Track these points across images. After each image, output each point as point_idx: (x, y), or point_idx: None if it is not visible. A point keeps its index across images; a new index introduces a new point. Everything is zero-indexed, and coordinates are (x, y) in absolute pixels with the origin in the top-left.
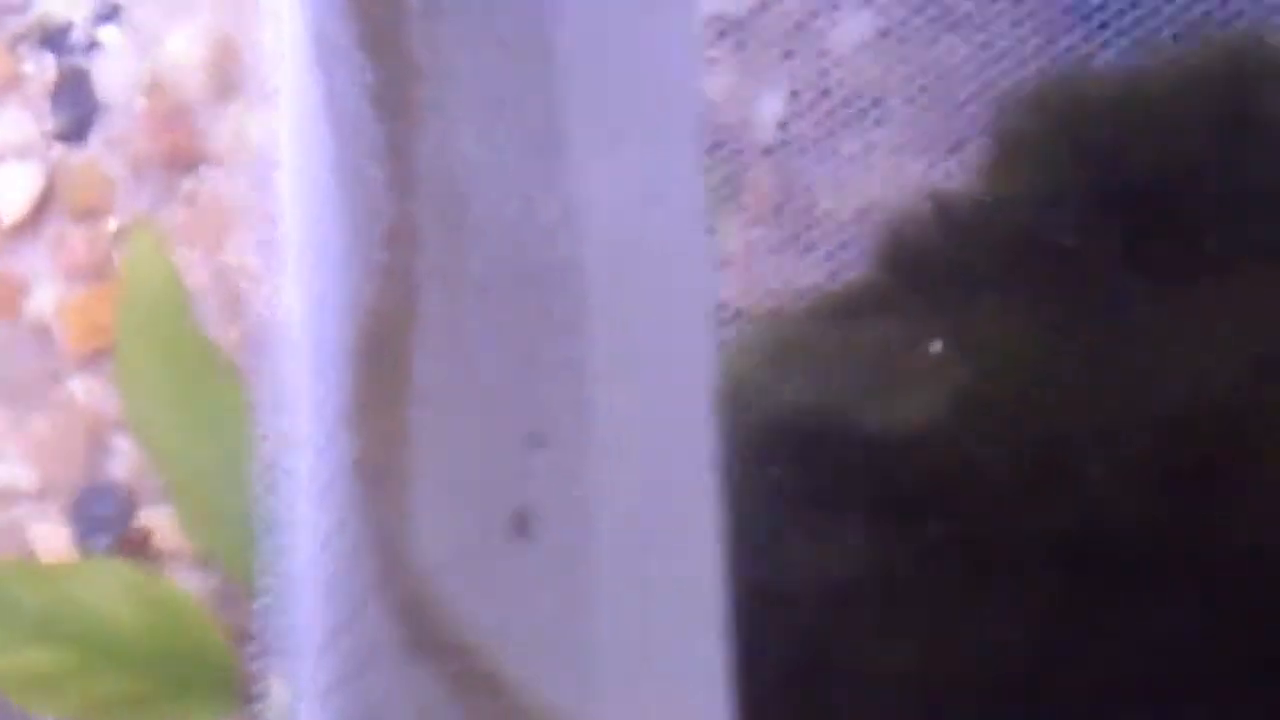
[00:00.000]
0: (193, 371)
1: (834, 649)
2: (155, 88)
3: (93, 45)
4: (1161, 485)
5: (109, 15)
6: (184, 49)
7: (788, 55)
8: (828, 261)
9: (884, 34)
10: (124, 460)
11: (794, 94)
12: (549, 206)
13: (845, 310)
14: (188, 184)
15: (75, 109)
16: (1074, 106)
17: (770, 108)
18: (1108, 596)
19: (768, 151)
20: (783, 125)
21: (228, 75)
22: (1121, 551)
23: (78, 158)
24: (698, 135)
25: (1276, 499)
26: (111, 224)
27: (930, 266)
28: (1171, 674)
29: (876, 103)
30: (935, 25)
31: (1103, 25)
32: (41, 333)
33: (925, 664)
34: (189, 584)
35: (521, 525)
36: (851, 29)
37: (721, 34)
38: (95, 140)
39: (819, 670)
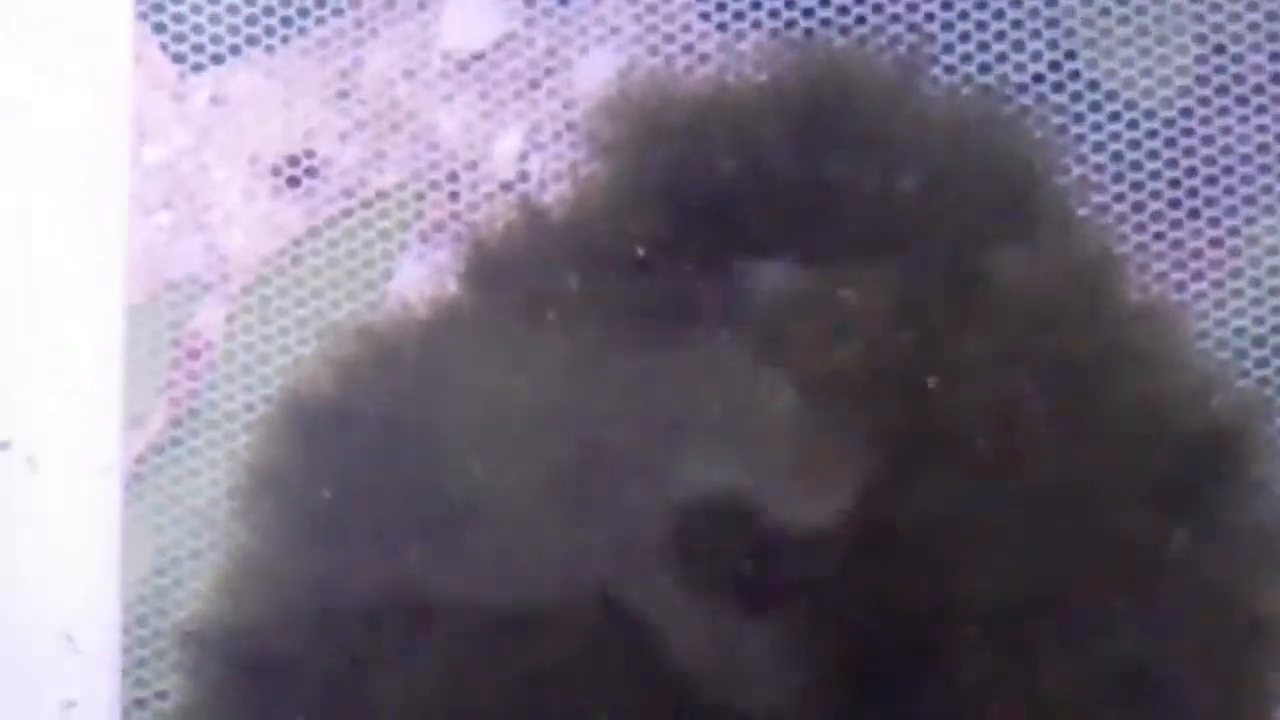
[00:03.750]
0: None
1: None
2: None
3: None
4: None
5: None
6: None
7: (528, 92)
8: None
9: (628, 69)
10: None
11: (533, 130)
12: None
13: (427, 334)
14: None
15: None
16: (658, 111)
17: (509, 144)
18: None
19: (506, 187)
20: (521, 160)
21: None
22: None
23: None
24: None
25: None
26: None
27: (511, 281)
28: None
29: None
30: (680, 59)
31: None
32: None
33: None
34: None
35: None
36: (594, 65)
37: (461, 66)
38: None
39: None
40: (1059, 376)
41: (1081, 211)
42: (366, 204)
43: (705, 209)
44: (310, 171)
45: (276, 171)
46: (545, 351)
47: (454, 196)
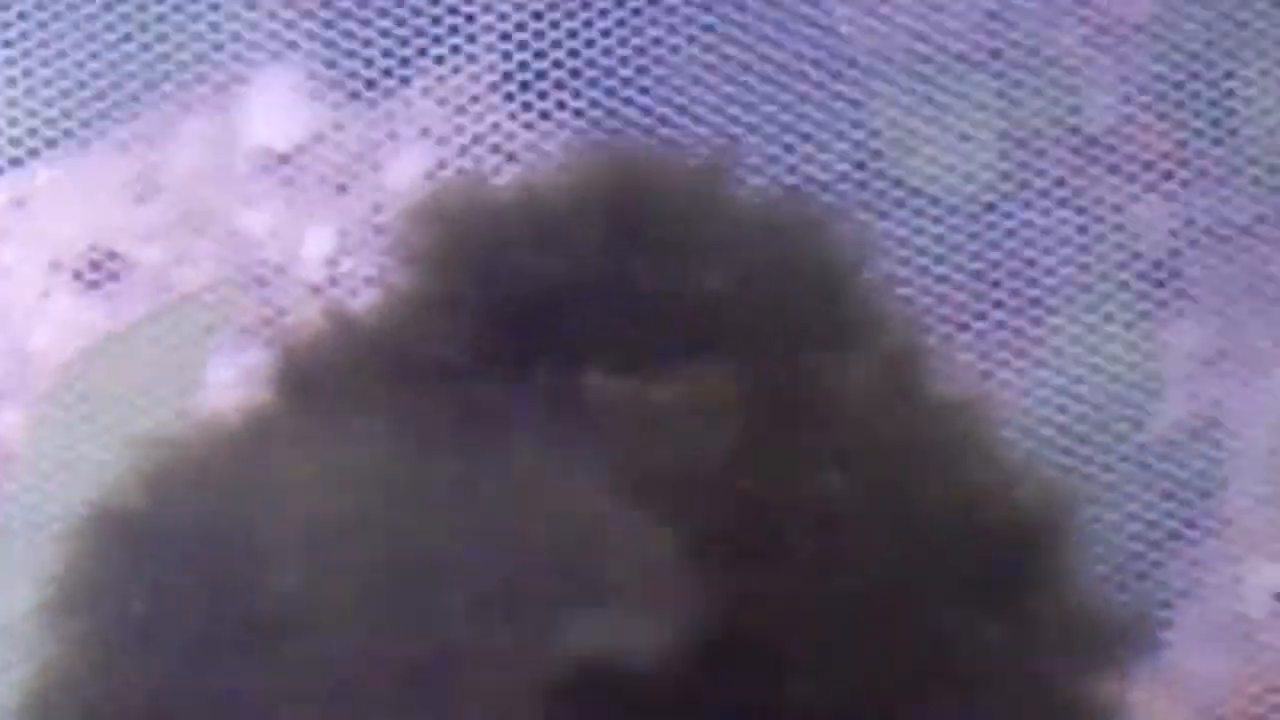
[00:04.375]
0: None
1: None
2: None
3: None
4: (510, 619)
5: None
6: None
7: (338, 191)
8: None
9: (440, 167)
10: None
11: (343, 231)
12: None
13: (238, 444)
14: None
15: None
16: (464, 216)
17: (319, 246)
18: None
19: (314, 291)
20: (331, 263)
21: None
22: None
23: None
24: None
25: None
26: None
27: (322, 389)
28: None
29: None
30: (493, 157)
31: None
32: None
33: None
34: None
35: None
36: (406, 163)
37: (268, 167)
38: None
39: None
40: (872, 473)
41: (889, 307)
42: (172, 307)
43: (516, 314)
44: (114, 275)
45: (78, 275)
46: (359, 461)
47: (263, 300)
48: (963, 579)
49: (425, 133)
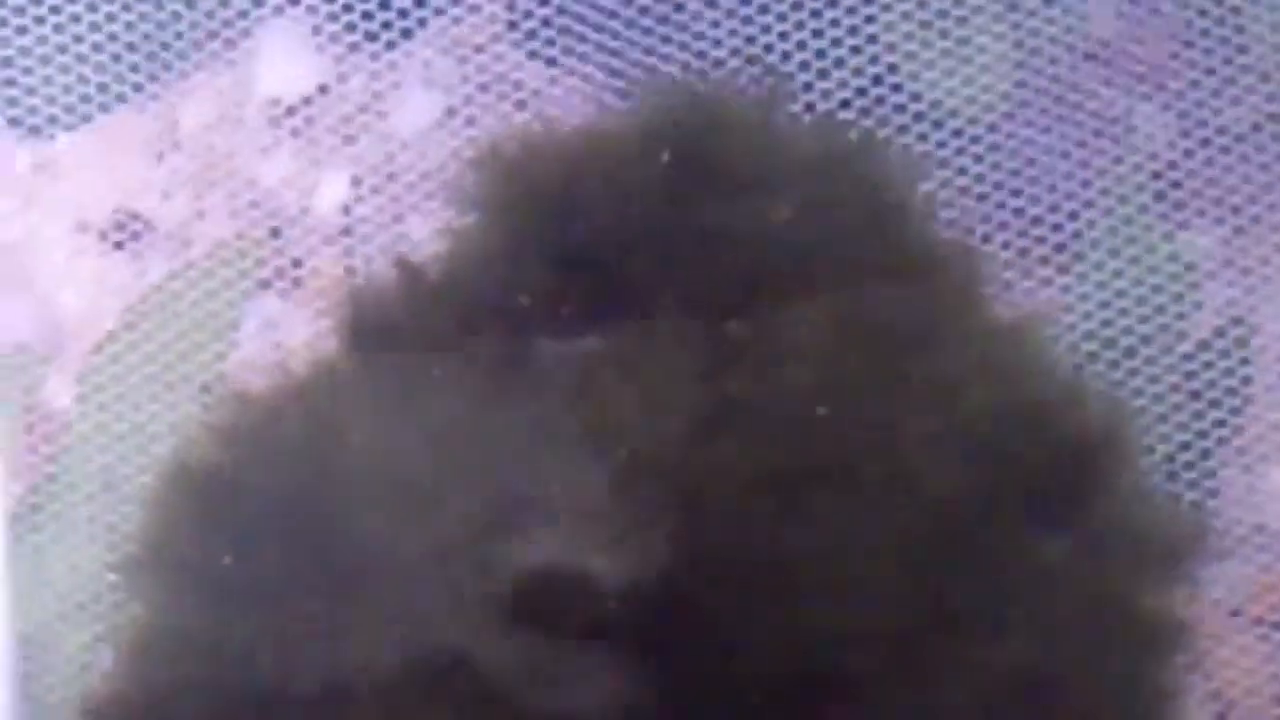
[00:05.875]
0: None
1: None
2: None
3: None
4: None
5: None
6: None
7: (349, 139)
8: None
9: (450, 114)
10: None
11: (356, 178)
12: None
13: (309, 396)
14: None
15: None
16: (528, 164)
17: (333, 192)
18: None
19: (330, 238)
20: (346, 210)
21: None
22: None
23: None
24: None
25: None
26: None
27: (393, 339)
28: None
29: (445, 184)
30: (503, 103)
31: None
32: None
33: None
34: None
35: None
36: (416, 110)
37: (279, 118)
38: None
39: None
40: (934, 398)
41: (943, 232)
42: (197, 262)
43: (586, 260)
44: (138, 234)
45: (104, 236)
46: (433, 411)
47: (281, 249)
48: (1030, 498)
49: (433, 80)
